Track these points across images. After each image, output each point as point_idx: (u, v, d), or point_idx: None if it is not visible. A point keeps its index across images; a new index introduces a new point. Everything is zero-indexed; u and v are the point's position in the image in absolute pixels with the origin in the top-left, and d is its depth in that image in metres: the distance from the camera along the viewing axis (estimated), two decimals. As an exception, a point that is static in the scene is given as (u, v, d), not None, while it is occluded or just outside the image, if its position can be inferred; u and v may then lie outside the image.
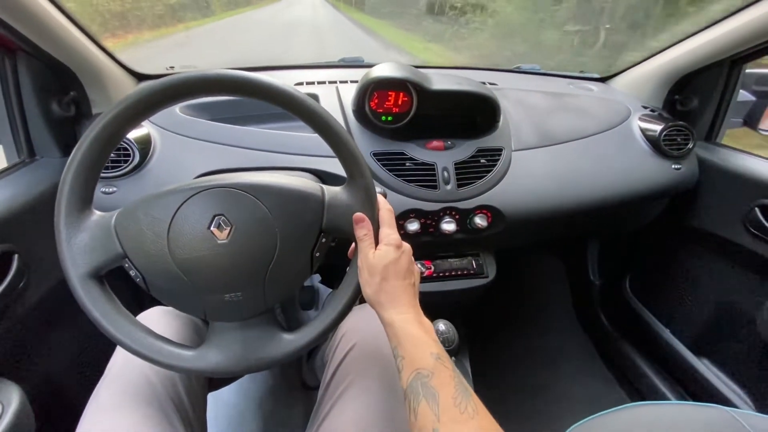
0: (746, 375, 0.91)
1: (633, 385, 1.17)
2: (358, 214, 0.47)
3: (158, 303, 0.51)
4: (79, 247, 0.43)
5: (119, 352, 0.57)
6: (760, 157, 0.91)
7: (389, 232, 0.48)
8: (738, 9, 0.83)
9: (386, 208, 0.49)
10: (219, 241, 0.42)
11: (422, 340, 0.42)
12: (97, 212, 0.45)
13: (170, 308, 0.64)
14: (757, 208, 0.84)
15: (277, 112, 0.45)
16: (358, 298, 0.49)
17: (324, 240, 0.47)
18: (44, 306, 0.70)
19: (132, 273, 0.44)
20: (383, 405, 0.54)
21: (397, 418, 0.53)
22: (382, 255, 0.46)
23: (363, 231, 0.47)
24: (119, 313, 0.44)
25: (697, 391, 0.99)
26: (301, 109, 0.44)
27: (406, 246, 0.48)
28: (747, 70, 0.97)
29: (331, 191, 0.48)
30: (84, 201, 0.44)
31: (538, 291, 1.48)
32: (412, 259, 0.49)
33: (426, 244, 0.85)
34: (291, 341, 0.48)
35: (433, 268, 0.86)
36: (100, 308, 0.43)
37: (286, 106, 0.44)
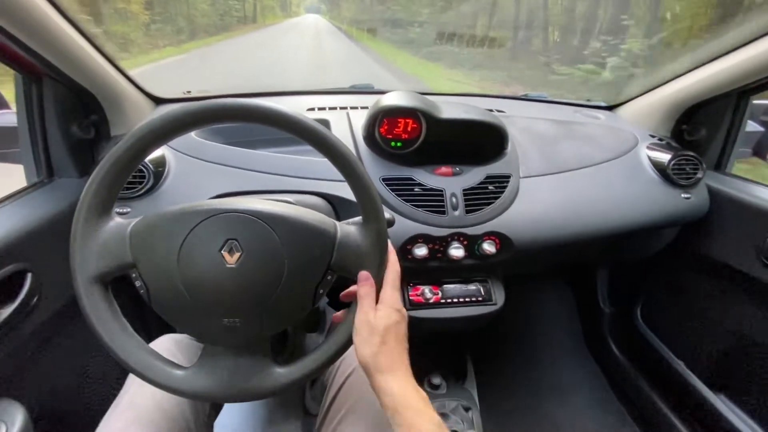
0: (763, 411, 0.88)
1: (647, 419, 1.13)
2: (363, 273, 0.47)
3: (163, 324, 0.51)
4: (91, 250, 0.43)
5: (132, 381, 0.57)
6: None
7: (392, 293, 0.47)
8: (745, 42, 0.84)
9: (394, 269, 0.49)
10: (227, 265, 0.43)
11: (423, 410, 0.42)
12: (117, 218, 0.46)
13: (182, 337, 0.65)
14: None
15: (288, 135, 0.46)
16: None
17: (329, 278, 0.47)
18: (53, 326, 0.70)
19: (137, 283, 0.44)
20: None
21: None
22: (384, 316, 0.45)
23: (366, 289, 0.46)
24: (116, 321, 0.45)
25: (714, 427, 0.95)
26: (329, 148, 0.45)
27: (404, 310, 0.48)
28: (755, 101, 0.98)
29: (344, 230, 0.48)
30: (105, 207, 0.45)
31: (548, 318, 1.45)
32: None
33: (434, 270, 0.85)
34: (281, 375, 0.47)
35: (440, 293, 0.85)
36: (99, 314, 0.44)
37: (314, 144, 0.45)
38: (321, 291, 0.47)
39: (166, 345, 0.62)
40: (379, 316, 0.45)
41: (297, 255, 0.44)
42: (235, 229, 0.43)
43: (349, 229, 0.48)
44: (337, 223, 0.48)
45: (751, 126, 1.01)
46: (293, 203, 0.61)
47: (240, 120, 0.45)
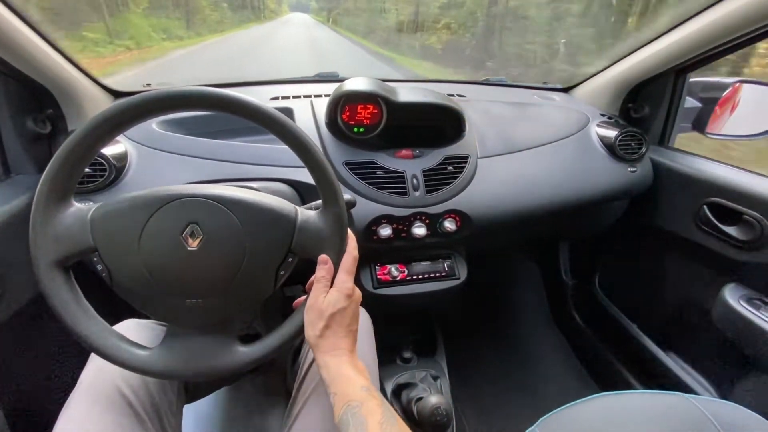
0: (706, 364, 0.96)
1: (604, 378, 1.22)
2: (323, 256, 0.49)
3: (129, 308, 0.52)
4: (51, 235, 0.44)
5: (91, 362, 0.57)
6: (708, 158, 0.98)
7: (345, 279, 0.49)
8: (678, 23, 0.90)
9: (351, 255, 0.50)
10: (189, 248, 0.45)
11: (353, 378, 0.45)
12: (76, 204, 0.46)
13: (145, 321, 0.65)
14: (705, 206, 0.90)
15: (252, 125, 0.48)
16: None
17: (290, 260, 0.49)
18: (18, 321, 0.70)
19: (99, 267, 0.45)
20: None
21: None
22: (332, 302, 0.47)
23: (322, 273, 0.48)
24: (79, 304, 0.46)
25: (664, 381, 1.04)
26: (283, 130, 0.46)
27: (357, 294, 0.50)
28: (693, 79, 1.05)
29: (305, 214, 0.50)
30: (63, 194, 0.45)
31: (515, 292, 1.53)
32: (359, 306, 0.51)
33: (399, 249, 0.88)
34: (244, 353, 0.49)
35: (406, 271, 0.89)
36: (62, 297, 0.44)
37: (267, 126, 0.46)
38: (282, 273, 0.49)
39: (130, 329, 0.62)
40: (327, 301, 0.47)
41: (257, 238, 0.46)
42: (195, 213, 0.45)
43: (309, 213, 0.50)
44: (297, 207, 0.50)
45: (691, 102, 1.08)
46: (257, 189, 0.63)
47: (192, 108, 0.46)
